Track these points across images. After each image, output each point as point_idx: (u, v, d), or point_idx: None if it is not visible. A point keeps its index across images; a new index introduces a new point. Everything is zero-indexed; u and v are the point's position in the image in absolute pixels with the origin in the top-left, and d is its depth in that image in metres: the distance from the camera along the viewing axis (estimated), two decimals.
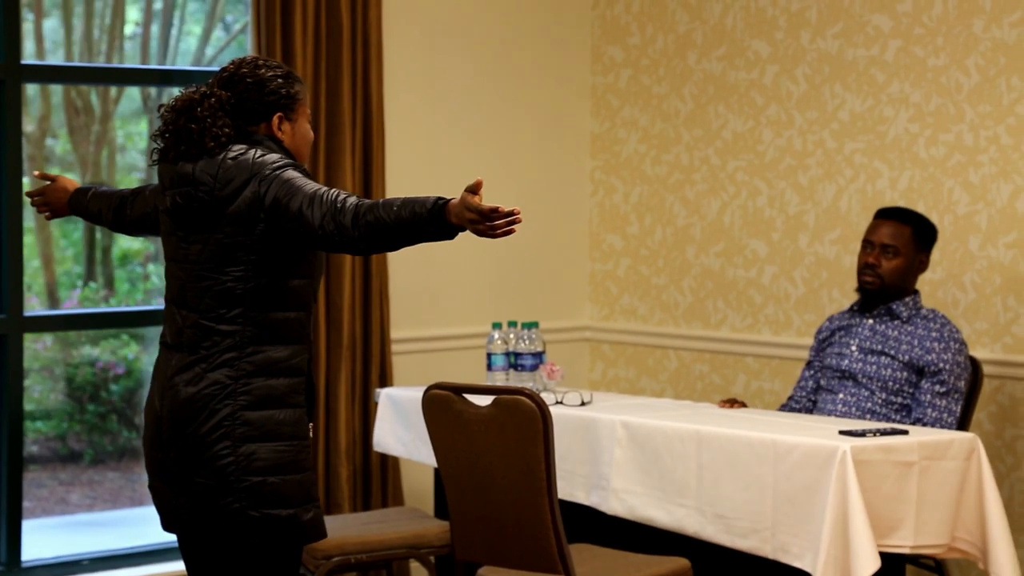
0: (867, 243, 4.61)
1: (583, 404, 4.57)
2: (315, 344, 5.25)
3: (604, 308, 6.03)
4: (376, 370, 5.37)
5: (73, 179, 3.78)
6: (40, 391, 6.65)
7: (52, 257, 6.71)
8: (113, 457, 6.83)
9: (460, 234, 3.11)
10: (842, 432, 3.97)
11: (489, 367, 4.89)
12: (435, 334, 5.66)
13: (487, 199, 5.71)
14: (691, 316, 5.73)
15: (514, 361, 4.88)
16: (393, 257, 5.44)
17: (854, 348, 4.59)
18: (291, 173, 3.21)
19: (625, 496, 4.26)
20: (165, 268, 3.37)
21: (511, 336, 4.89)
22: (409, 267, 5.53)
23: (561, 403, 4.58)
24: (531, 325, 4.91)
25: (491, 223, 3.03)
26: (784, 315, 5.44)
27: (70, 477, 6.71)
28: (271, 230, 3.20)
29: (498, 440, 3.87)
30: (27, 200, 3.84)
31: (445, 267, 5.65)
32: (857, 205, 5.23)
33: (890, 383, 4.52)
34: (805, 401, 4.77)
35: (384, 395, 5.02)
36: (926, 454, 3.92)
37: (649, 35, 5.83)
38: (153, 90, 6.50)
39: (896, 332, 4.56)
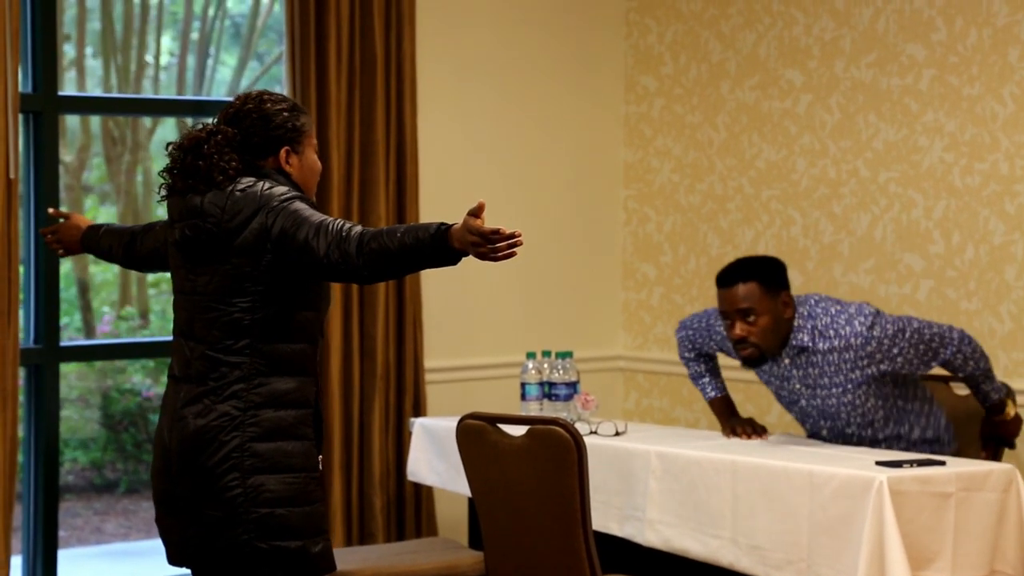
0: (723, 315, 4.33)
1: (617, 434, 4.56)
2: (350, 373, 5.26)
3: (638, 337, 6.02)
4: (410, 399, 5.37)
5: (86, 216, 3.83)
6: (75, 420, 6.69)
7: (88, 284, 6.74)
8: (148, 486, 6.86)
9: (493, 263, 3.12)
10: (879, 463, 3.95)
11: (523, 397, 4.89)
12: (469, 363, 5.66)
13: (521, 226, 5.73)
14: None
15: (548, 391, 4.87)
16: (427, 286, 5.45)
17: (800, 390, 4.39)
18: (298, 205, 3.23)
19: (660, 527, 4.24)
20: (174, 301, 3.39)
21: (545, 366, 4.89)
22: (443, 296, 5.53)
23: (595, 433, 4.57)
24: (565, 355, 4.90)
25: (492, 245, 3.03)
26: None
27: (105, 507, 6.73)
28: (278, 261, 3.22)
29: (532, 470, 3.86)
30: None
31: (479, 296, 5.66)
32: (892, 235, 5.21)
33: (869, 401, 4.33)
34: (713, 354, 4.63)
35: (418, 425, 5.02)
36: (963, 485, 3.90)
37: (682, 64, 5.83)
38: (189, 120, 6.55)
39: (819, 358, 4.31)
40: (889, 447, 4.38)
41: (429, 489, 5.40)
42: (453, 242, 3.07)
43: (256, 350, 3.25)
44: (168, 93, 6.65)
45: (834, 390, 4.31)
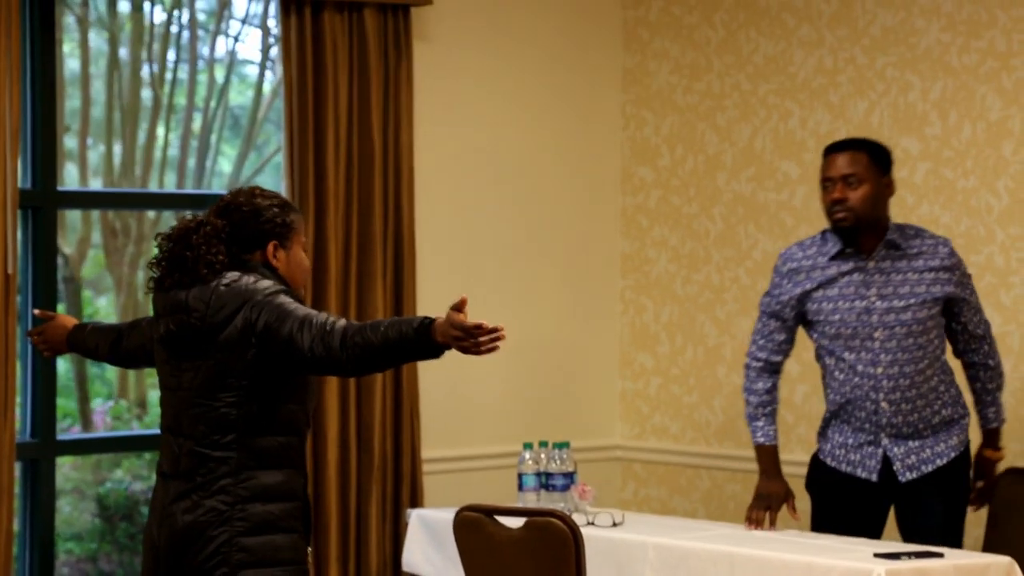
0: (826, 181, 4.39)
1: (615, 525, 4.54)
2: (347, 463, 5.25)
3: (635, 427, 6.02)
4: (407, 490, 5.36)
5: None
6: (70, 511, 6.65)
7: (85, 376, 6.74)
8: None
9: (488, 354, 3.12)
10: (877, 555, 3.94)
11: (520, 487, 4.87)
12: (466, 454, 5.65)
13: (519, 316, 5.75)
14: (723, 435, 5.71)
15: (545, 481, 4.86)
16: (424, 376, 5.45)
17: (873, 297, 4.35)
18: (283, 299, 3.25)
19: None
20: (160, 397, 3.39)
21: (542, 456, 4.88)
22: (440, 386, 5.53)
23: (592, 524, 4.55)
24: (562, 445, 4.90)
25: (475, 340, 3.04)
26: (814, 429, 5.40)
27: None
28: (262, 355, 3.23)
29: (530, 563, 3.85)
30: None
31: (476, 386, 5.66)
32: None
33: (928, 324, 4.34)
34: (775, 356, 4.52)
35: (415, 516, 5.01)
36: None
37: (679, 156, 5.88)
38: (188, 214, 6.58)
39: (905, 264, 4.36)
40: (945, 414, 4.42)
41: None
42: (436, 336, 3.09)
43: (243, 444, 3.25)
44: (169, 185, 6.69)
45: (912, 301, 4.32)
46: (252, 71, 7.01)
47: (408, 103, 5.41)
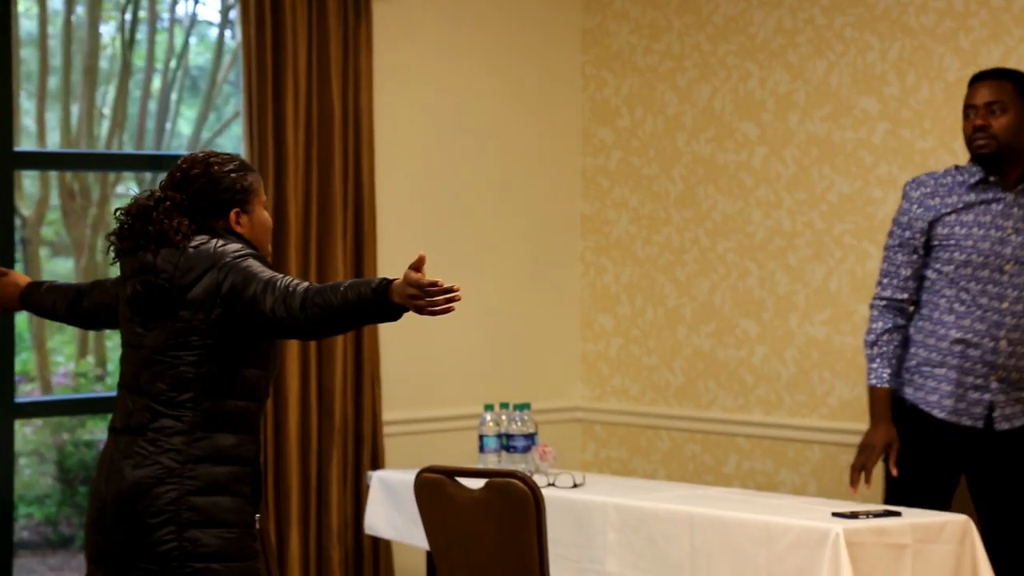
0: (969, 108, 4.29)
1: (575, 486, 4.56)
2: (308, 426, 5.25)
3: (596, 389, 6.03)
4: (368, 452, 5.36)
5: (24, 274, 3.81)
6: (30, 474, 6.63)
7: (44, 338, 6.71)
8: None
9: (445, 315, 3.12)
10: (835, 514, 3.97)
11: (481, 449, 4.89)
12: (427, 416, 5.66)
13: (479, 278, 5.75)
14: (682, 396, 5.73)
15: (506, 443, 4.88)
16: (385, 339, 5.45)
17: (1009, 230, 4.23)
18: (250, 262, 3.25)
19: None
20: (121, 355, 3.38)
21: (503, 418, 4.89)
22: (401, 349, 5.53)
23: (553, 485, 4.57)
24: (523, 406, 4.91)
25: (430, 298, 3.04)
26: (775, 395, 5.44)
27: (60, 563, 6.67)
28: (226, 316, 3.23)
29: (491, 523, 3.86)
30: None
31: (436, 349, 5.66)
32: (847, 286, 5.25)
33: None
34: (899, 293, 4.33)
35: (376, 478, 5.02)
36: (919, 536, 3.91)
37: (639, 117, 5.88)
38: (148, 175, 6.55)
39: None
40: None
41: (387, 542, 5.38)
42: (394, 297, 3.08)
43: (199, 404, 3.25)
44: (128, 147, 6.65)
45: None
46: (212, 32, 6.97)
47: (368, 65, 5.39)
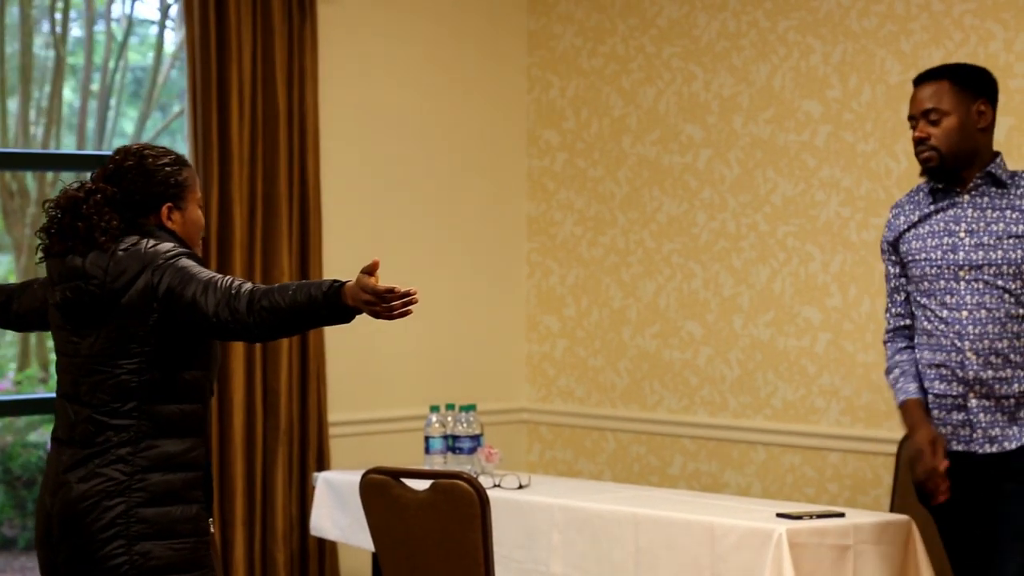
0: (910, 119, 3.90)
1: (521, 487, 4.57)
2: (253, 427, 5.23)
3: (541, 390, 6.05)
4: (313, 454, 5.35)
5: None
6: None
7: None
8: None
9: (399, 320, 3.09)
10: (779, 515, 4.00)
11: (427, 450, 4.89)
12: (372, 417, 5.66)
13: (425, 279, 5.75)
14: (628, 398, 5.76)
15: (452, 444, 4.88)
16: (330, 340, 5.44)
17: (961, 233, 3.83)
18: (185, 262, 3.16)
19: None
20: (56, 363, 3.28)
21: (449, 419, 4.90)
22: (346, 350, 5.52)
23: (499, 486, 4.58)
24: (469, 408, 4.91)
25: (387, 304, 3.00)
26: (720, 397, 5.47)
27: (3, 563, 6.62)
28: (165, 320, 3.15)
29: (436, 525, 3.87)
30: None
31: (382, 350, 5.65)
32: (791, 288, 5.29)
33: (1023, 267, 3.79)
34: (900, 321, 3.99)
35: (321, 479, 5.00)
36: (861, 538, 3.95)
37: (584, 119, 5.90)
38: (88, 175, 6.50)
39: (1007, 202, 3.83)
40: None
41: (333, 543, 5.37)
42: (347, 300, 3.02)
43: (144, 412, 3.17)
44: (68, 146, 6.60)
45: (1008, 242, 3.79)
46: (152, 31, 6.93)
47: (312, 64, 5.38)
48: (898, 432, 4.84)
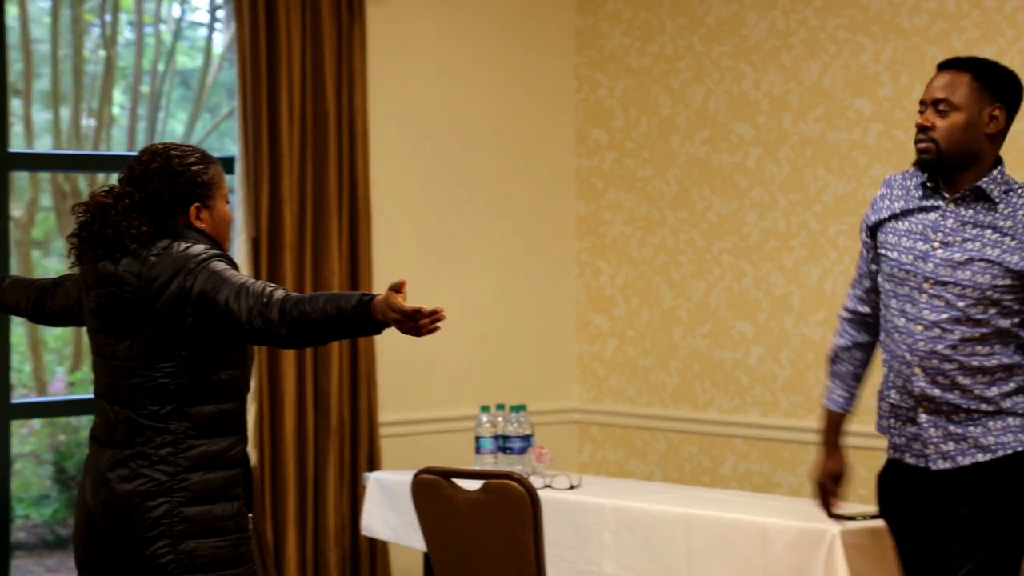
0: (921, 104, 3.63)
1: (572, 488, 4.57)
2: (304, 428, 5.25)
3: (592, 390, 6.04)
4: (364, 454, 5.36)
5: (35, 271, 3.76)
6: (28, 476, 6.63)
7: (39, 341, 6.70)
8: None
9: (447, 318, 3.10)
10: (832, 515, 3.98)
11: (477, 450, 4.89)
12: (423, 417, 5.67)
13: (475, 280, 5.76)
14: (679, 397, 5.74)
15: (503, 444, 4.88)
16: (381, 340, 5.45)
17: (936, 244, 3.57)
18: (217, 265, 3.17)
19: None
20: (93, 362, 3.31)
21: (499, 419, 4.90)
22: (397, 350, 5.53)
23: (550, 487, 4.58)
24: (519, 408, 4.92)
25: (415, 323, 3.01)
26: (772, 396, 5.45)
27: (57, 563, 6.66)
28: (199, 323, 3.16)
29: (487, 525, 3.87)
30: None
31: (433, 350, 5.66)
32: (842, 287, 5.26)
33: (988, 293, 3.51)
34: (861, 306, 3.76)
35: (372, 479, 5.02)
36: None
37: (633, 118, 5.89)
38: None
39: (990, 219, 3.53)
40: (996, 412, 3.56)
41: (384, 543, 5.38)
42: (376, 314, 3.04)
43: (183, 414, 3.19)
44: (119, 148, 6.64)
45: (975, 259, 3.52)
46: (201, 33, 6.96)
47: (362, 65, 5.39)
48: None
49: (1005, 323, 3.51)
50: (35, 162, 5.79)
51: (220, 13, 6.43)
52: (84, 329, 3.37)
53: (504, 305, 5.88)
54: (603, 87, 5.98)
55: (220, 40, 6.71)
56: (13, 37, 6.18)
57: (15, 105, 6.35)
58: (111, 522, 3.19)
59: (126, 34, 6.76)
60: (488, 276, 5.83)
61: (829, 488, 3.78)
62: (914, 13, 5.09)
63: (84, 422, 6.62)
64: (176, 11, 6.80)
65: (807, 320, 5.36)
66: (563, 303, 6.05)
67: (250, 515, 3.31)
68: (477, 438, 4.89)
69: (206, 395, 3.21)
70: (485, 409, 4.94)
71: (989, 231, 3.53)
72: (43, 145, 6.56)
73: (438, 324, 3.03)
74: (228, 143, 6.25)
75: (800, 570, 3.86)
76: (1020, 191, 3.55)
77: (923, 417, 3.58)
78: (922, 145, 3.58)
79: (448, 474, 4.02)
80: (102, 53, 6.57)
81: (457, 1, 5.78)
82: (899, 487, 3.64)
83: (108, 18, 6.60)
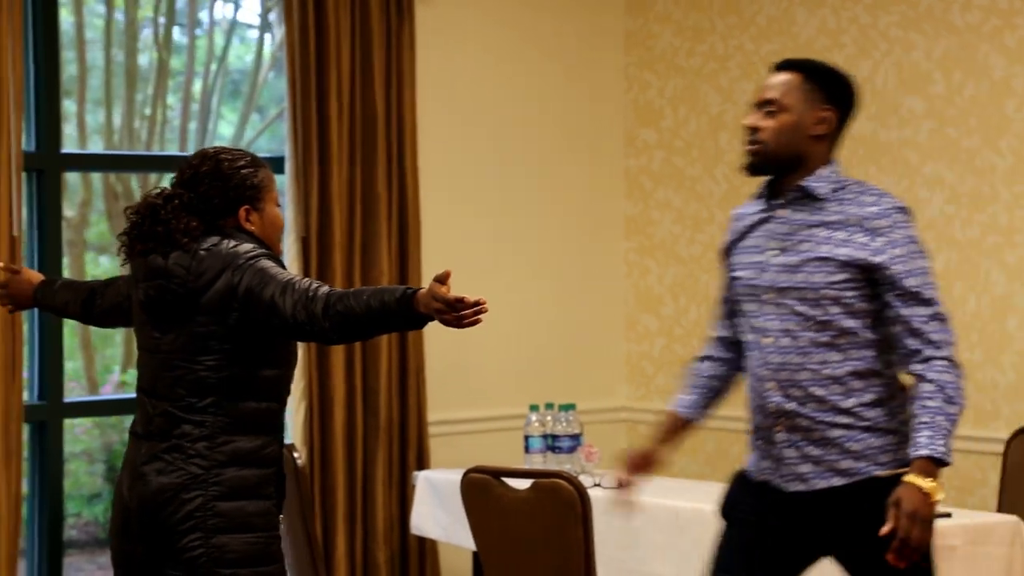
0: (754, 106, 3.47)
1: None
2: (353, 427, 5.27)
3: (640, 388, 6.03)
4: (413, 453, 5.37)
5: (87, 270, 3.79)
6: (80, 475, 6.67)
7: (91, 342, 6.75)
8: None
9: (492, 315, 3.10)
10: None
11: (526, 449, 4.89)
12: (472, 416, 5.67)
13: (523, 279, 5.76)
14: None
15: (552, 443, 4.88)
16: (429, 339, 5.46)
17: (773, 253, 3.39)
18: (265, 263, 3.19)
19: None
20: (138, 358, 3.34)
21: (548, 418, 4.90)
22: (445, 349, 5.54)
23: (599, 486, 4.57)
24: (568, 407, 4.91)
25: (457, 313, 3.02)
26: None
27: (109, 561, 6.71)
28: (244, 319, 3.18)
29: (537, 524, 3.87)
30: None
31: (481, 349, 5.67)
32: None
33: (826, 291, 3.33)
34: (721, 330, 3.62)
35: (422, 478, 5.03)
36: (969, 539, 3.90)
37: (682, 117, 5.87)
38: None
39: (819, 218, 3.36)
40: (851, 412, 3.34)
41: (433, 542, 5.39)
42: (419, 307, 3.04)
43: (221, 408, 3.21)
44: (171, 149, 6.68)
45: (809, 259, 3.34)
46: (251, 34, 7.00)
47: (410, 64, 5.40)
48: (1005, 431, 4.77)
49: (852, 324, 3.31)
50: (87, 162, 5.83)
51: (270, 15, 6.46)
52: (133, 329, 3.39)
53: (553, 304, 5.88)
54: (653, 87, 5.96)
55: (270, 41, 6.74)
56: (67, 39, 6.23)
57: (67, 106, 6.40)
58: (146, 515, 3.21)
59: (178, 36, 6.80)
60: (537, 276, 5.82)
61: (632, 464, 3.68)
62: (966, 10, 5.05)
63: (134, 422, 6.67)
64: (227, 12, 6.84)
65: None
66: (611, 302, 6.04)
67: (280, 515, 3.32)
68: (526, 437, 4.89)
69: (246, 391, 3.23)
70: (534, 408, 4.94)
71: (819, 229, 3.34)
72: (95, 146, 6.61)
73: (480, 317, 3.03)
74: (278, 144, 6.28)
75: None
76: (853, 188, 3.40)
77: (780, 436, 3.39)
78: (749, 147, 3.42)
79: (497, 473, 4.02)
80: (154, 55, 6.61)
81: (506, 2, 5.78)
82: (758, 501, 3.47)
83: (162, 20, 6.64)
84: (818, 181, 3.37)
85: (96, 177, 6.65)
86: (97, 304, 3.54)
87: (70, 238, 6.62)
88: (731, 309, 3.55)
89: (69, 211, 6.75)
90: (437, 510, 4.92)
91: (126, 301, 3.44)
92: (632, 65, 6.02)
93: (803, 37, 5.47)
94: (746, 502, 3.50)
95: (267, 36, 6.70)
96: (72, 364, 6.62)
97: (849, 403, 3.31)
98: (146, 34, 6.67)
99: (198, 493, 3.18)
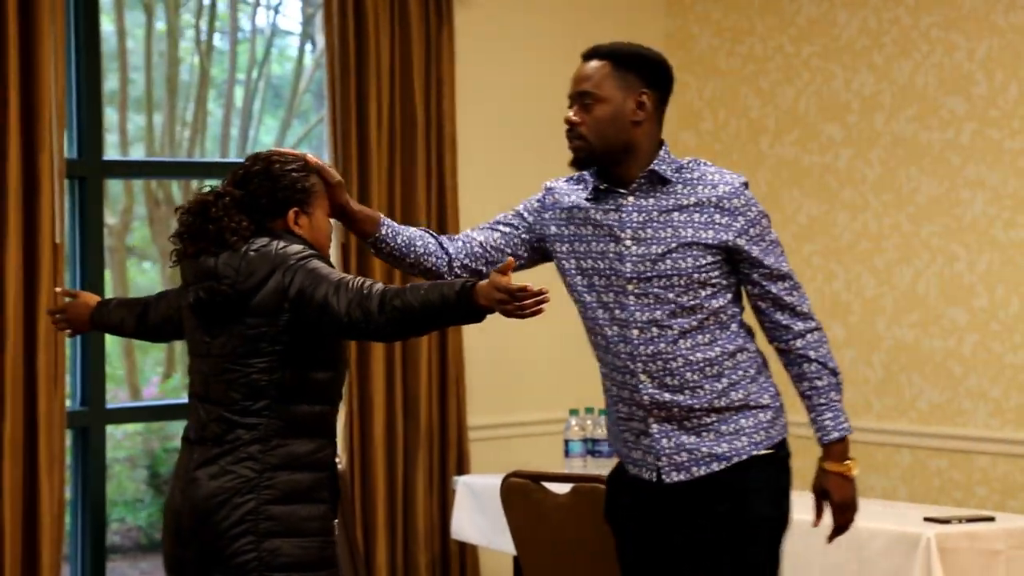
0: (569, 100, 3.42)
1: None
2: (394, 431, 5.28)
3: None
4: (453, 457, 5.38)
5: (128, 277, 3.79)
6: (123, 480, 6.72)
7: (132, 348, 6.79)
8: None
9: (530, 319, 3.09)
10: (927, 519, 3.93)
11: (567, 453, 4.89)
12: (512, 421, 5.67)
13: (561, 283, 5.73)
14: None
15: (592, 447, 4.88)
16: (469, 343, 5.46)
17: (628, 243, 3.34)
18: (316, 263, 3.18)
19: None
20: (189, 364, 3.33)
21: (588, 422, 4.89)
22: (485, 353, 5.54)
23: None
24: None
25: (519, 303, 3.00)
26: (863, 399, 5.39)
27: (151, 567, 6.74)
28: (296, 320, 3.17)
29: (577, 528, 3.86)
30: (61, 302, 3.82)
31: (521, 353, 5.67)
32: (935, 289, 5.20)
33: (695, 276, 3.30)
34: (475, 233, 3.61)
35: (462, 483, 5.03)
36: (1014, 543, 3.87)
37: (722, 120, 5.85)
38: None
39: (673, 202, 3.31)
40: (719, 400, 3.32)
41: (473, 547, 5.39)
42: (479, 299, 3.03)
43: (274, 411, 3.20)
44: (212, 155, 6.72)
45: (672, 245, 3.30)
46: (291, 42, 7.03)
47: (450, 69, 5.41)
48: None
49: (718, 303, 3.30)
50: (129, 169, 5.86)
51: (311, 22, 6.48)
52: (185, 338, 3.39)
53: None
54: (692, 89, 5.95)
55: (310, 48, 6.77)
56: (109, 47, 6.27)
57: (109, 114, 6.45)
58: (197, 519, 3.20)
59: (219, 43, 6.84)
60: None
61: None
62: (1010, 10, 5.01)
63: (176, 428, 6.70)
64: (269, 18, 6.87)
65: (899, 322, 5.30)
66: None
67: (336, 520, 3.30)
68: (566, 441, 4.89)
69: (299, 394, 3.22)
70: (574, 413, 4.93)
71: (675, 213, 3.29)
72: (136, 153, 6.65)
73: (542, 307, 3.02)
74: (319, 151, 6.30)
75: (895, 575, 3.81)
76: (691, 166, 3.34)
77: (655, 427, 3.32)
78: (573, 145, 3.39)
79: (538, 478, 4.02)
80: (196, 61, 6.65)
81: (545, 6, 5.78)
82: (635, 499, 3.40)
83: (203, 28, 6.68)
84: (662, 164, 3.31)
85: (137, 184, 6.69)
86: (151, 317, 3.53)
87: (112, 245, 6.66)
88: (500, 246, 3.59)
89: (111, 218, 6.80)
90: (477, 515, 4.93)
91: (177, 312, 3.44)
92: (672, 67, 6.00)
93: (844, 38, 5.45)
94: (624, 504, 3.44)
95: (308, 43, 6.73)
96: (114, 370, 6.66)
97: (722, 384, 3.29)
98: (187, 42, 6.70)
99: (250, 497, 3.17)
